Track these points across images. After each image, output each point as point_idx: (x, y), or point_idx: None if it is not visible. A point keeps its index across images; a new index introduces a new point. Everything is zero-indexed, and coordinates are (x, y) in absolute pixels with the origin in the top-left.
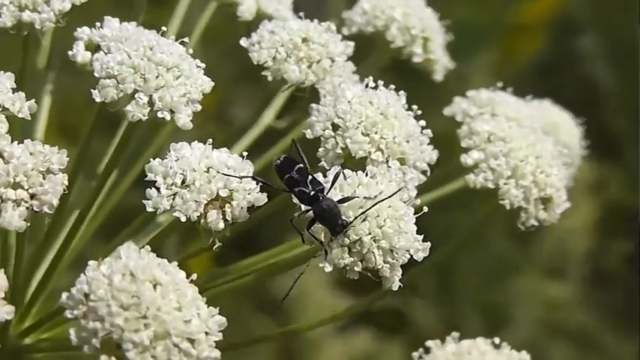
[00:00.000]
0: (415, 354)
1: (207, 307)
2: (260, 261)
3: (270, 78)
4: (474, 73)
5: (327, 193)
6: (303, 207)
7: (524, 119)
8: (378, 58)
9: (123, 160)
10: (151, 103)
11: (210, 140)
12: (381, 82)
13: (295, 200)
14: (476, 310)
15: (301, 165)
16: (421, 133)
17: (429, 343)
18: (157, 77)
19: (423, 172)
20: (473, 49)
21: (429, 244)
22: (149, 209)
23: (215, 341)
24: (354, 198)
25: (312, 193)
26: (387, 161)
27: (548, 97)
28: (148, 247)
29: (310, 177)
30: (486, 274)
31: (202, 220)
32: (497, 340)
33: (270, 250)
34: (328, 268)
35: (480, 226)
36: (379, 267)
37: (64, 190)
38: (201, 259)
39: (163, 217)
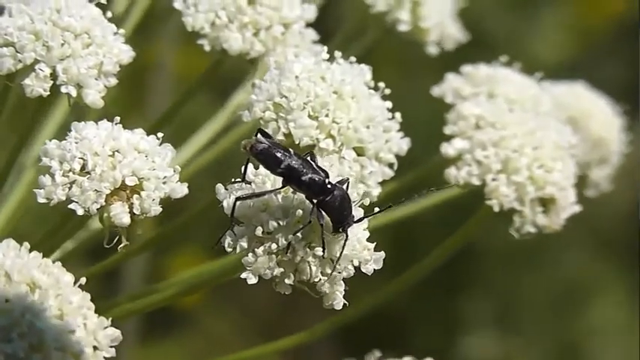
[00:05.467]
0: None
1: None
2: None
3: (207, 48)
4: (540, 36)
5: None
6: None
7: (528, 101)
8: (355, 30)
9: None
10: (54, 75)
11: (118, 119)
12: (338, 54)
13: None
14: (544, 345)
15: (290, 148)
16: (390, 117)
17: None
18: (62, 45)
19: (390, 166)
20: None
21: (382, 253)
22: (41, 200)
23: (106, 358)
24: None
25: (327, 180)
26: (340, 150)
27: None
28: (27, 245)
29: (312, 161)
30: (558, 300)
31: (105, 214)
32: None
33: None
34: (252, 280)
35: (470, 237)
36: (316, 280)
37: None
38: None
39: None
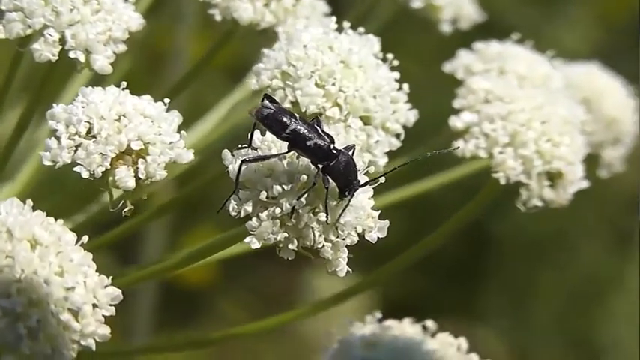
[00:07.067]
0: None
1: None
2: None
3: (218, 18)
4: (560, 29)
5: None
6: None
7: (539, 78)
8: (368, 8)
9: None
10: (63, 41)
11: (125, 84)
12: (347, 25)
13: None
14: (558, 339)
15: (295, 114)
16: (397, 88)
17: None
18: (72, 11)
19: (397, 136)
20: None
21: (387, 222)
22: (46, 163)
23: (105, 315)
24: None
25: (332, 145)
26: (346, 119)
27: None
28: (30, 202)
29: (317, 127)
30: (573, 293)
31: (110, 178)
32: None
33: None
34: (256, 245)
35: (478, 210)
36: (319, 246)
37: None
38: None
39: None
